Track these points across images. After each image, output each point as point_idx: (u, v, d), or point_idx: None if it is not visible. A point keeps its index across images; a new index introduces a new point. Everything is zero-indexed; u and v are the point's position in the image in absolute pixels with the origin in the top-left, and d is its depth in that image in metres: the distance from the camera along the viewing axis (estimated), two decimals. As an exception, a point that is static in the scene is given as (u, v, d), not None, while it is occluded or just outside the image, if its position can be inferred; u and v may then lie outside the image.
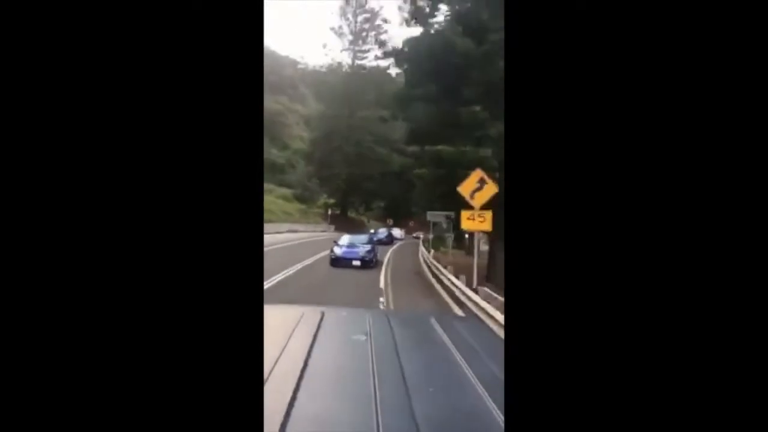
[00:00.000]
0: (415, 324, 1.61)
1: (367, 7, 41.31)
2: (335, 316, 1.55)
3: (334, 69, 47.54)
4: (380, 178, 36.97)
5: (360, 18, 41.06)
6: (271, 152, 41.49)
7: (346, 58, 43.88)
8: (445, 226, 14.42)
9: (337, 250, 12.94)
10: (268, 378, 0.93)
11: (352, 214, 41.64)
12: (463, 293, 6.08)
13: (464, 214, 7.54)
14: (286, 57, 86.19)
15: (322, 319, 1.40)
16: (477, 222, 7.39)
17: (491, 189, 7.26)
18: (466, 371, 1.05)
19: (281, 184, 38.94)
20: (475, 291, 5.92)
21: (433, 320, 1.52)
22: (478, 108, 9.66)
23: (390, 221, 34.85)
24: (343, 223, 34.67)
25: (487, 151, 9.05)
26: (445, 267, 8.72)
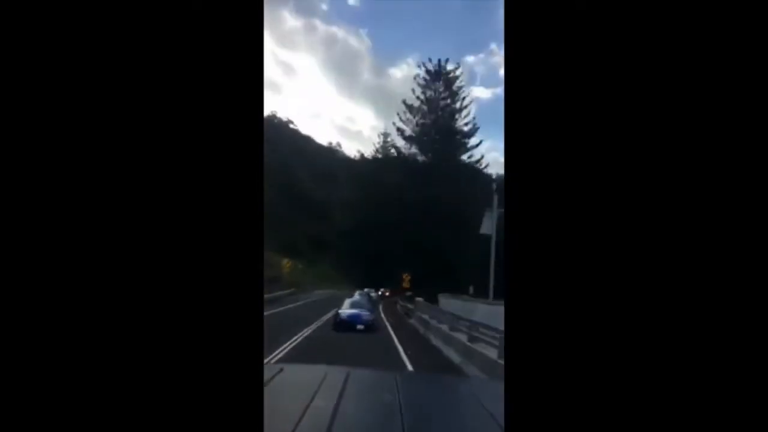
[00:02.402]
0: (446, 388, 1.56)
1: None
2: (360, 375, 1.50)
3: (366, 158, 62.17)
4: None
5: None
6: (323, 233, 60.51)
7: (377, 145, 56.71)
8: (406, 285, 33.01)
9: (343, 314, 13.84)
10: None
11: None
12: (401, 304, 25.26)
13: (403, 284, 27.09)
14: (328, 147, 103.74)
15: (346, 379, 1.34)
16: (406, 285, 27.09)
17: (408, 277, 27.31)
18: None
19: (327, 259, 58.08)
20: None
21: (464, 385, 1.51)
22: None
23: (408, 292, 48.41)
24: (369, 287, 52.71)
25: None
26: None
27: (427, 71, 40.95)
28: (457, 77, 41.30)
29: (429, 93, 41.06)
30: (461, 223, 30.06)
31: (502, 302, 9.51)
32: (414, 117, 41.37)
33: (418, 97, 41.19)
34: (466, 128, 41.68)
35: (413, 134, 41.68)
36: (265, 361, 8.38)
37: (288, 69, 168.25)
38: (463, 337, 10.10)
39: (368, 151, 69.34)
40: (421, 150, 41.32)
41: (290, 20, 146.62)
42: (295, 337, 11.78)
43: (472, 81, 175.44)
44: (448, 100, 41.43)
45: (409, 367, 8.96)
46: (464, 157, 41.19)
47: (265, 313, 9.08)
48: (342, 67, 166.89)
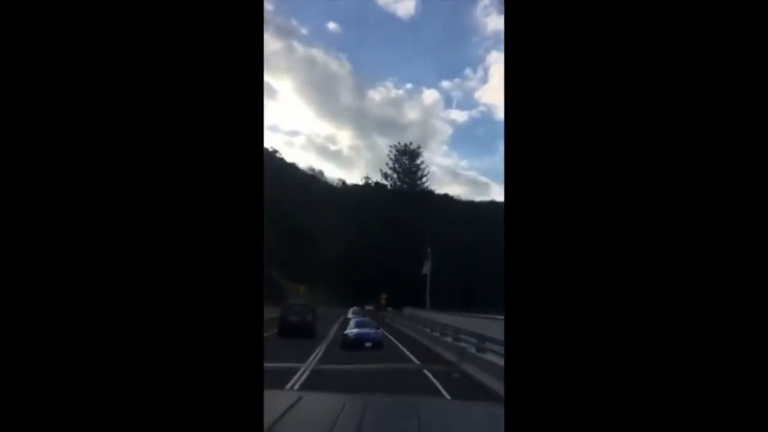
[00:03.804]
0: (468, 414, 1.42)
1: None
2: (379, 404, 1.45)
3: (347, 186, 79.21)
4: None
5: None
6: (315, 261, 71.58)
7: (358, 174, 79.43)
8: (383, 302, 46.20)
9: (350, 334, 13.83)
10: None
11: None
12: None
13: (381, 302, 40.79)
14: (311, 175, 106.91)
15: (365, 408, 1.29)
16: (383, 303, 40.67)
17: (384, 295, 40.90)
18: None
19: (321, 283, 69.74)
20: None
21: (486, 410, 1.39)
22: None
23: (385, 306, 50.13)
24: (356, 305, 62.71)
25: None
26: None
27: (397, 150, 61.58)
28: (419, 153, 61.83)
29: (397, 165, 61.60)
30: (422, 256, 43.79)
31: (435, 311, 24.09)
32: (388, 181, 61.64)
33: (391, 168, 62.61)
34: (427, 189, 62.42)
35: (387, 191, 60.43)
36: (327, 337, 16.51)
37: (268, 89, 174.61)
38: (410, 324, 23.62)
39: (348, 176, 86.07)
40: (392, 203, 58.39)
41: (271, 42, 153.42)
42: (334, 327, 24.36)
43: (448, 104, 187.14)
44: (413, 168, 61.34)
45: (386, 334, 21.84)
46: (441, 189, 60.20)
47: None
48: (322, 89, 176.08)
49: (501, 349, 8.68)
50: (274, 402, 1.17)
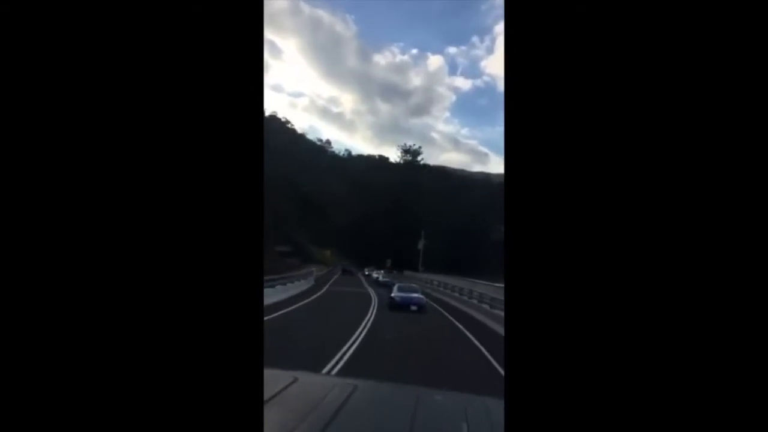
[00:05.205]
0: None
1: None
2: (429, 397, 1.48)
3: (353, 156, 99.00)
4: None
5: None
6: (325, 227, 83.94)
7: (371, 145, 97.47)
8: (389, 266, 61.25)
9: (396, 297, 15.41)
10: None
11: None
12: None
13: (386, 266, 56.15)
14: (320, 146, 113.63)
15: (416, 402, 1.34)
16: (389, 267, 55.78)
17: (389, 260, 56.46)
18: None
19: (333, 246, 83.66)
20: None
21: None
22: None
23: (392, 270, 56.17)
24: (367, 267, 59.81)
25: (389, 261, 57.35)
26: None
27: (403, 149, 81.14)
28: (419, 152, 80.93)
29: (401, 160, 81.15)
30: (417, 231, 58.61)
31: (427, 273, 41.09)
32: (394, 172, 79.05)
33: (396, 163, 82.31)
34: (425, 181, 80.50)
35: (393, 179, 78.14)
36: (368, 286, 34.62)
37: (273, 48, 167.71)
38: (409, 280, 38.46)
39: (349, 139, 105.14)
40: (397, 189, 74.98)
41: (277, 0, 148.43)
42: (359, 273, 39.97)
43: (453, 71, 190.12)
44: (414, 164, 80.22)
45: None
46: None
47: (337, 275, 44.12)
48: (327, 51, 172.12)
49: (446, 285, 24.31)
50: (331, 393, 1.26)
